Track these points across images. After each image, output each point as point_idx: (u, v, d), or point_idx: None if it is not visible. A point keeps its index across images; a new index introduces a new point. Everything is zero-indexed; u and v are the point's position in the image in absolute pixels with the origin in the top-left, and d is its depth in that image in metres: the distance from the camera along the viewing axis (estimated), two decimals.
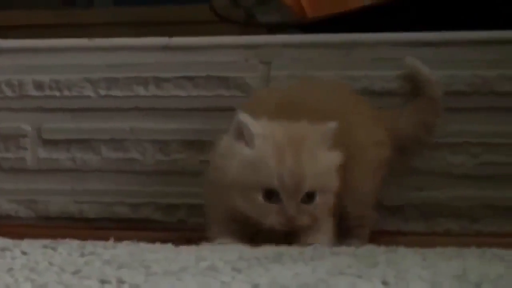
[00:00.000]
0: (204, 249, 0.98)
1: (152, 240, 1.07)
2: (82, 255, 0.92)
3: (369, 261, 0.88)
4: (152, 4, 1.99)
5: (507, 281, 0.74)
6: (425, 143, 1.27)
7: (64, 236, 1.10)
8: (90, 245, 1.00)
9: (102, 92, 1.42)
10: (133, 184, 1.41)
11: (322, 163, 1.09)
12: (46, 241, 1.03)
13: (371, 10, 1.38)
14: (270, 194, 1.06)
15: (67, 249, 0.96)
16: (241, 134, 1.09)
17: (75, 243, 1.03)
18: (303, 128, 1.10)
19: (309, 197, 1.07)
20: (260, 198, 1.07)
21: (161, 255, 0.91)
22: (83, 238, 1.08)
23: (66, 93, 1.43)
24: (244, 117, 1.09)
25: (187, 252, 0.95)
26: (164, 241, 1.07)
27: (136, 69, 1.41)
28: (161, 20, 1.79)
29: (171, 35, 1.41)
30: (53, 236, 1.11)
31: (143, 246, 1.01)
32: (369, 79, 1.32)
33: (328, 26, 1.40)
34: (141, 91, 1.40)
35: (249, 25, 1.56)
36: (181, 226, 1.38)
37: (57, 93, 1.43)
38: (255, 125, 1.09)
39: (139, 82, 1.41)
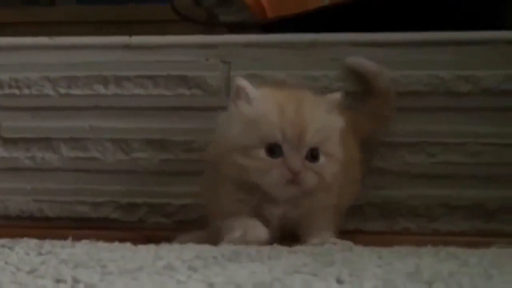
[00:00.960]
0: (162, 248, 0.98)
1: (112, 239, 1.07)
2: (39, 254, 0.92)
3: (326, 260, 0.88)
4: (113, 3, 1.99)
5: (459, 279, 0.75)
6: (383, 139, 1.29)
7: (23, 236, 1.09)
8: (48, 244, 0.99)
9: (62, 91, 1.41)
10: (93, 183, 1.40)
11: (324, 122, 1.09)
12: (4, 241, 1.02)
13: (331, 10, 1.39)
14: (273, 149, 1.07)
15: (24, 248, 0.95)
16: (241, 96, 1.10)
17: (33, 242, 1.02)
18: (305, 92, 1.12)
19: (314, 156, 1.08)
20: (262, 154, 1.07)
21: (118, 254, 0.91)
22: (43, 237, 1.07)
23: (25, 91, 1.42)
24: (242, 81, 1.11)
25: (145, 251, 0.95)
26: (123, 240, 1.07)
27: (96, 67, 1.40)
28: (122, 19, 1.78)
29: (132, 34, 1.41)
30: (12, 235, 1.10)
31: (101, 245, 1.01)
32: (329, 78, 1.33)
33: (288, 26, 1.40)
34: (101, 89, 1.40)
35: (210, 25, 1.56)
36: (141, 225, 1.38)
37: (17, 92, 1.42)
38: (252, 88, 1.11)
39: (99, 80, 1.40)
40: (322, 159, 1.09)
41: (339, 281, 0.74)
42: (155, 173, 1.38)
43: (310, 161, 1.08)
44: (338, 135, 1.12)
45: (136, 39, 1.40)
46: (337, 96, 1.13)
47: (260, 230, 1.06)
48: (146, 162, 1.39)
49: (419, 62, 1.31)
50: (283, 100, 1.09)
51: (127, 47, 1.40)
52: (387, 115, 1.27)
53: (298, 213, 1.10)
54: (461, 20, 1.33)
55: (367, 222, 1.33)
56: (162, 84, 1.38)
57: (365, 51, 1.32)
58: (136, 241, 1.06)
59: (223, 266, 0.82)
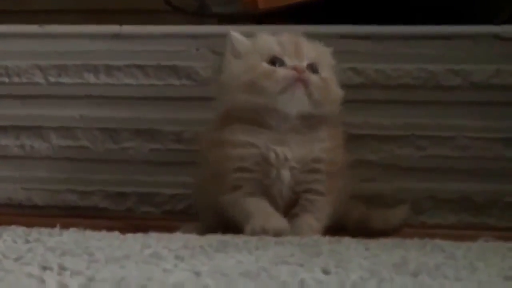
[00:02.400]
0: (150, 237, 0.98)
1: (100, 228, 1.07)
2: (27, 242, 0.92)
3: (313, 251, 0.88)
4: None
5: (445, 271, 0.75)
6: None
7: (11, 223, 1.09)
8: (35, 232, 0.99)
9: (52, 79, 1.41)
10: (82, 172, 1.40)
11: (318, 50, 1.12)
12: None
13: (322, 1, 1.39)
14: (274, 62, 1.09)
15: (12, 236, 0.95)
16: (236, 42, 1.13)
17: (21, 229, 1.02)
18: None
19: (313, 70, 1.09)
20: (266, 65, 1.09)
21: (105, 242, 0.91)
22: (31, 225, 1.07)
23: (15, 79, 1.42)
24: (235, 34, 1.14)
25: (132, 240, 0.95)
26: (111, 229, 1.07)
27: (87, 56, 1.40)
28: (112, 8, 1.78)
29: (122, 23, 1.41)
30: None
31: (89, 233, 1.01)
32: None
33: (280, 17, 1.40)
34: (91, 79, 1.40)
35: (201, 15, 1.56)
36: (130, 214, 1.38)
37: (6, 79, 1.42)
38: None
39: (89, 69, 1.40)
40: (322, 74, 1.11)
41: (325, 271, 0.74)
42: (144, 162, 1.38)
43: (311, 72, 1.09)
44: (332, 70, 1.13)
45: (127, 29, 1.40)
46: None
47: (281, 220, 1.06)
48: (136, 151, 1.39)
49: (409, 56, 1.32)
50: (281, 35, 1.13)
51: (118, 36, 1.40)
52: None
53: (307, 166, 1.10)
54: (451, 14, 1.34)
55: None
56: (152, 74, 1.38)
57: (354, 43, 1.33)
58: (124, 230, 1.06)
59: (209, 256, 0.82)
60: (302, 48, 1.10)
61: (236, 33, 1.13)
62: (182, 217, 1.28)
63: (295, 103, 1.08)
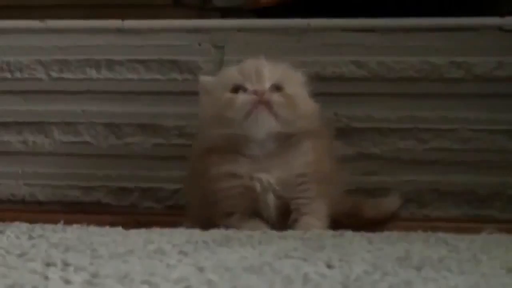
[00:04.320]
0: (153, 232, 0.99)
1: (103, 224, 1.07)
2: (30, 238, 0.92)
3: (316, 245, 0.89)
4: None
5: (448, 263, 0.75)
6: None
7: (14, 219, 1.09)
8: (39, 228, 1.00)
9: (54, 75, 1.41)
10: (85, 168, 1.40)
11: (283, 71, 1.12)
12: None
13: None
14: (237, 90, 1.09)
15: (15, 232, 0.95)
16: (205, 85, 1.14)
17: (24, 226, 1.02)
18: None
19: (278, 88, 1.09)
20: (228, 94, 1.09)
21: (109, 238, 0.91)
22: (34, 221, 1.08)
23: (17, 75, 1.42)
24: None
25: (135, 235, 0.95)
26: (114, 224, 1.07)
27: (89, 51, 1.40)
28: (114, 3, 1.77)
29: (124, 18, 1.41)
30: (3, 219, 1.10)
31: (92, 229, 1.01)
32: (320, 64, 1.33)
33: (281, 11, 1.40)
34: (93, 73, 1.40)
35: (204, 9, 1.56)
36: (133, 210, 1.38)
37: (9, 75, 1.42)
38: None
39: (91, 64, 1.40)
40: (287, 90, 1.10)
41: (329, 265, 0.74)
42: (147, 157, 1.38)
43: (276, 91, 1.09)
44: (302, 86, 1.13)
45: (129, 23, 1.40)
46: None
47: None
48: (138, 146, 1.39)
49: (411, 48, 1.32)
50: (242, 62, 1.13)
51: (120, 31, 1.40)
52: None
53: (292, 184, 1.10)
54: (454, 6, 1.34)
55: None
56: (154, 69, 1.38)
57: (357, 36, 1.33)
58: (127, 225, 1.06)
59: (213, 251, 0.83)
60: (263, 71, 1.10)
61: (204, 76, 1.16)
62: (185, 212, 1.28)
63: (262, 126, 1.08)
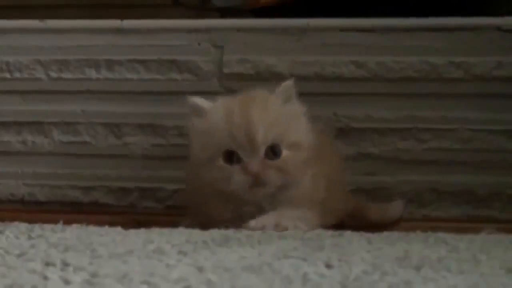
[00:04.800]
0: (153, 232, 0.99)
1: (103, 224, 1.07)
2: (30, 238, 0.92)
3: (315, 245, 0.89)
4: None
5: (448, 263, 0.75)
6: None
7: (13, 219, 1.09)
8: (38, 228, 1.00)
9: (54, 75, 1.41)
10: (85, 167, 1.40)
11: (279, 114, 1.08)
12: None
13: None
14: (230, 156, 1.07)
15: (15, 232, 0.95)
16: (194, 112, 1.11)
17: (23, 226, 1.03)
18: (256, 92, 1.11)
19: (274, 152, 1.07)
20: (221, 162, 1.07)
21: (108, 238, 0.91)
22: (33, 221, 1.08)
23: (16, 75, 1.42)
24: (193, 98, 1.12)
25: (135, 235, 0.95)
26: (114, 224, 1.07)
27: (88, 51, 1.40)
28: (114, 3, 1.77)
29: (123, 18, 1.40)
30: (2, 219, 1.10)
31: (92, 229, 1.01)
32: (320, 64, 1.33)
33: (281, 11, 1.40)
34: (93, 73, 1.40)
35: (203, 9, 1.56)
36: (132, 209, 1.38)
37: (8, 75, 1.42)
38: (204, 101, 1.11)
39: (91, 64, 1.40)
40: (285, 152, 1.07)
41: (328, 265, 0.74)
42: (147, 157, 1.38)
43: (271, 158, 1.07)
44: (303, 120, 1.11)
45: (128, 23, 1.40)
46: (289, 83, 1.11)
47: None
48: (138, 146, 1.39)
49: (411, 48, 1.32)
50: (231, 106, 1.08)
51: (119, 31, 1.40)
52: None
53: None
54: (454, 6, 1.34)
55: None
56: (153, 69, 1.38)
57: (356, 36, 1.33)
58: (127, 225, 1.06)
59: (212, 251, 0.83)
60: (256, 138, 1.05)
61: (195, 99, 1.12)
62: (185, 212, 1.27)
63: (255, 198, 1.07)
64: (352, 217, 1.20)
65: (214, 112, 1.10)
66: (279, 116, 1.08)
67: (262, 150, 1.06)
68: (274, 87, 1.12)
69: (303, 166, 1.09)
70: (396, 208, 1.22)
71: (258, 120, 1.06)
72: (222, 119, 1.08)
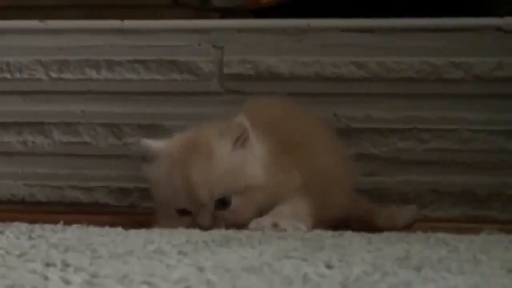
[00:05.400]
0: (153, 233, 0.98)
1: (103, 224, 1.07)
2: (30, 238, 0.92)
3: (316, 245, 0.88)
4: None
5: (448, 264, 0.75)
6: None
7: (14, 220, 1.09)
8: (38, 229, 0.99)
9: (54, 75, 1.41)
10: (85, 168, 1.40)
11: (226, 164, 1.06)
12: None
13: None
14: (181, 210, 1.07)
15: (15, 233, 0.95)
16: (146, 156, 1.11)
17: (24, 226, 1.02)
18: (204, 134, 1.09)
19: (223, 202, 1.05)
20: (174, 213, 1.07)
21: (108, 238, 0.91)
22: (34, 221, 1.07)
23: (17, 75, 1.42)
24: (146, 141, 1.11)
25: (135, 236, 0.95)
26: (114, 225, 1.07)
27: (88, 52, 1.40)
28: (114, 3, 1.78)
29: (124, 18, 1.41)
30: (3, 220, 1.10)
31: (92, 229, 1.01)
32: (320, 64, 1.33)
33: (281, 11, 1.40)
34: (93, 74, 1.40)
35: (203, 10, 1.56)
36: (132, 210, 1.38)
37: (8, 75, 1.42)
38: (156, 146, 1.10)
39: (91, 65, 1.40)
40: (235, 200, 1.06)
41: (328, 266, 0.74)
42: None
43: (221, 209, 1.06)
44: (256, 160, 1.08)
45: (128, 24, 1.40)
46: (239, 122, 1.07)
47: None
48: (138, 146, 1.38)
49: (411, 49, 1.32)
50: (176, 158, 1.07)
51: (119, 31, 1.40)
52: None
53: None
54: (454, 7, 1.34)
55: None
56: (154, 69, 1.38)
57: (356, 37, 1.33)
58: (127, 226, 1.06)
59: (213, 251, 0.83)
60: (199, 196, 1.04)
61: (147, 141, 1.11)
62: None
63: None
64: (361, 222, 1.19)
65: (160, 164, 1.09)
66: (227, 165, 1.06)
67: (210, 206, 1.05)
68: (224, 124, 1.09)
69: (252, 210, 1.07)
70: (408, 213, 1.20)
71: (199, 180, 1.05)
72: (166, 178, 1.07)
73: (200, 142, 1.08)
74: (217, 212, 1.06)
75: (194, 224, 1.05)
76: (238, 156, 1.07)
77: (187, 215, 1.07)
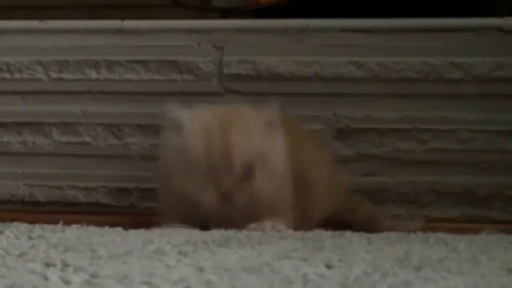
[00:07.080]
0: (153, 233, 0.99)
1: (103, 224, 1.07)
2: (30, 238, 0.92)
3: (315, 245, 0.89)
4: None
5: (448, 264, 0.75)
6: None
7: (13, 220, 1.09)
8: (38, 229, 1.00)
9: (54, 75, 1.41)
10: (85, 168, 1.40)
11: (259, 140, 1.08)
12: None
13: None
14: (205, 174, 1.07)
15: (15, 233, 0.95)
16: (170, 127, 1.11)
17: (24, 226, 1.03)
18: (238, 110, 1.11)
19: (247, 173, 1.07)
20: (196, 177, 1.07)
21: (108, 238, 0.91)
22: (33, 221, 1.08)
23: (17, 75, 1.42)
24: (172, 108, 1.11)
25: (135, 236, 0.95)
26: (114, 225, 1.07)
27: (88, 52, 1.40)
28: (114, 3, 1.78)
29: (123, 18, 1.40)
30: (2, 220, 1.10)
31: (92, 229, 1.02)
32: (320, 64, 1.33)
33: (281, 12, 1.40)
34: (93, 74, 1.40)
35: (203, 10, 1.56)
36: (132, 210, 1.38)
37: (8, 76, 1.42)
38: (184, 115, 1.10)
39: (91, 65, 1.40)
40: (258, 176, 1.07)
41: (328, 266, 0.74)
42: (147, 158, 1.38)
43: (244, 180, 1.06)
44: (281, 149, 1.10)
45: (128, 24, 1.40)
46: (274, 105, 1.10)
47: None
48: (138, 147, 1.39)
49: (411, 49, 1.32)
50: (210, 125, 1.09)
51: (119, 31, 1.40)
52: None
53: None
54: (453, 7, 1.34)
55: None
56: (153, 69, 1.38)
57: (356, 37, 1.33)
58: (127, 226, 1.07)
59: (212, 251, 0.83)
60: (232, 157, 1.06)
61: (174, 109, 1.12)
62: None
63: (220, 215, 1.06)
64: (364, 224, 1.19)
65: (191, 127, 1.09)
66: (257, 142, 1.09)
67: (237, 170, 1.06)
68: (259, 104, 1.11)
69: (277, 194, 1.09)
70: (413, 227, 1.20)
71: (236, 143, 1.07)
72: (199, 139, 1.08)
73: (236, 115, 1.10)
74: (239, 183, 1.06)
75: (216, 187, 1.05)
76: (269, 137, 1.10)
77: (209, 178, 1.06)
